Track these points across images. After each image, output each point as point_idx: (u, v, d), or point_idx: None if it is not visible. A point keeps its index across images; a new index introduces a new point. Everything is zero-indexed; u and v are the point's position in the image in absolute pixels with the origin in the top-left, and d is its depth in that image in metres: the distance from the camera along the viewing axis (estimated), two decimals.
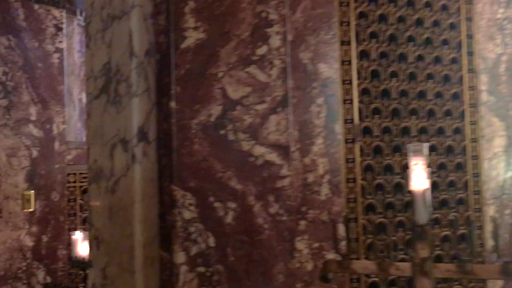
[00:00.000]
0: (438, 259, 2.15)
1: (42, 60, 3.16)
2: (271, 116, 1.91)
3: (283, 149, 1.93)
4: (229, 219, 1.81)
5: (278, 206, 1.90)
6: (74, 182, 3.39)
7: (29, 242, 3.03)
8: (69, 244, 3.29)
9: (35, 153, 3.10)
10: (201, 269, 1.75)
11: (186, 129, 1.76)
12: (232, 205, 1.82)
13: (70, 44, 3.57)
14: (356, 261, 1.69)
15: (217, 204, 1.80)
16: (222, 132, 1.82)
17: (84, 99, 3.81)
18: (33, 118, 3.11)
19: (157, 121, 1.81)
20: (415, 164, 1.60)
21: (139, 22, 1.79)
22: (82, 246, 2.98)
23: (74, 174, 3.38)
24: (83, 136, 3.79)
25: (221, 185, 1.81)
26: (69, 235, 3.29)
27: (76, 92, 3.51)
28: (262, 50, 1.91)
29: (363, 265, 1.63)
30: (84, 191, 3.45)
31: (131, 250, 1.75)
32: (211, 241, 1.78)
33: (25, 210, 3.03)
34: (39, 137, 3.12)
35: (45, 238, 3.11)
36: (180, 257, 1.72)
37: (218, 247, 1.78)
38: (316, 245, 2.02)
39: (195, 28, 1.81)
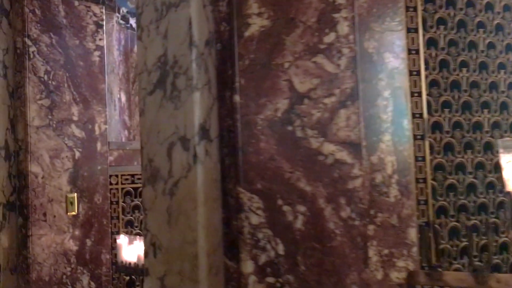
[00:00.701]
0: None
1: (83, 58, 3.07)
2: (341, 111, 1.74)
3: (353, 147, 1.76)
4: (298, 224, 1.65)
5: (349, 209, 1.74)
6: (116, 184, 3.28)
7: (73, 246, 2.94)
8: (113, 248, 3.19)
9: (77, 154, 3.00)
10: (271, 279, 1.60)
11: (251, 125, 1.61)
12: (301, 208, 1.66)
13: (110, 42, 3.47)
14: (448, 273, 1.51)
15: (285, 208, 1.64)
16: (289, 128, 1.66)
17: (123, 98, 3.71)
18: (75, 118, 3.01)
19: (219, 117, 1.67)
20: (508, 162, 1.42)
21: (198, 9, 1.65)
22: (127, 251, 2.87)
23: (116, 175, 3.28)
24: (122, 136, 3.69)
25: (290, 187, 1.65)
26: (112, 239, 3.19)
27: (115, 91, 3.41)
28: (329, 38, 1.74)
29: (458, 277, 1.45)
30: (126, 193, 3.35)
31: (194, 258, 1.60)
32: (280, 249, 1.62)
33: (69, 213, 2.93)
34: (81, 137, 3.03)
35: (89, 242, 3.01)
36: (248, 266, 1.57)
37: (288, 255, 1.63)
38: (385, 251, 1.85)
39: (259, 15, 1.66)
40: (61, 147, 2.94)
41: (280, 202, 1.64)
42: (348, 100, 1.75)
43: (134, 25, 3.89)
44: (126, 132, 3.66)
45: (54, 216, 2.88)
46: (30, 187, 2.79)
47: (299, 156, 1.67)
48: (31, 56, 2.84)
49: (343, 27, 1.76)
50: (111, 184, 3.21)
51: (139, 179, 3.42)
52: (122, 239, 2.90)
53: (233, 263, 1.61)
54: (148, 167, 1.84)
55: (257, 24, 1.64)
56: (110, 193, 3.19)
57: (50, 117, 2.90)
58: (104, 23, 3.19)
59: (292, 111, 1.67)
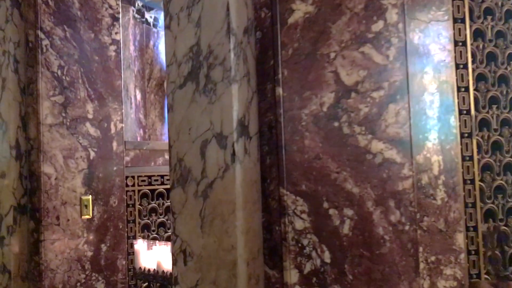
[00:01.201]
0: None
1: (98, 53, 2.95)
2: (390, 105, 1.63)
3: (403, 145, 1.64)
4: (345, 229, 1.53)
5: (399, 213, 1.62)
6: (133, 185, 3.17)
7: (88, 251, 2.82)
8: (129, 254, 3.07)
9: (92, 154, 2.88)
10: None
11: (295, 121, 1.49)
12: (348, 212, 1.54)
13: (126, 36, 3.36)
14: None
15: (332, 211, 1.52)
16: (335, 124, 1.54)
17: (138, 96, 3.60)
18: (90, 116, 2.89)
19: (258, 112, 1.55)
20: None
21: None
22: (145, 257, 2.75)
23: (133, 177, 3.16)
24: (137, 136, 3.57)
25: (336, 188, 1.53)
26: (128, 244, 3.07)
27: (131, 88, 3.29)
28: (377, 26, 1.62)
29: None
30: (143, 195, 3.23)
31: (232, 266, 1.48)
32: (327, 256, 1.50)
33: (83, 216, 2.81)
34: (96, 136, 2.91)
35: (104, 247, 2.89)
36: (292, 275, 1.45)
37: (334, 263, 1.51)
38: (432, 258, 1.73)
39: (303, 0, 1.54)
40: (75, 146, 2.82)
41: (326, 205, 1.52)
42: (397, 94, 1.63)
43: (149, 19, 3.78)
44: (141, 131, 3.55)
45: (68, 220, 2.76)
46: (42, 189, 2.67)
47: (346, 155, 1.55)
48: (44, 50, 2.73)
49: (392, 15, 1.64)
50: (127, 185, 3.10)
51: (156, 180, 3.30)
52: (139, 244, 2.77)
53: (275, 272, 1.49)
54: (177, 167, 1.73)
55: (301, 10, 1.53)
56: (126, 195, 3.08)
57: (63, 114, 2.79)
58: (120, 16, 3.07)
59: (338, 106, 1.55)
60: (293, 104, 1.49)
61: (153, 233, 3.27)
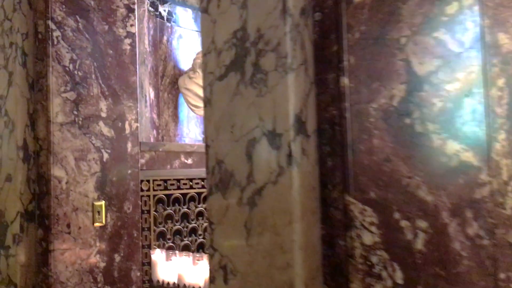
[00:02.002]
0: None
1: (112, 46, 2.74)
2: (465, 100, 1.41)
3: (479, 146, 1.42)
4: (419, 244, 1.31)
5: (477, 225, 1.40)
6: (148, 190, 2.95)
7: (100, 262, 2.60)
8: (143, 264, 2.85)
9: (106, 156, 2.67)
10: None
11: (362, 116, 1.28)
12: (422, 224, 1.32)
13: (141, 29, 3.15)
14: None
15: (403, 223, 1.30)
16: (407, 121, 1.33)
17: (151, 94, 3.39)
18: (103, 114, 2.68)
19: (317, 106, 1.34)
20: None
21: None
22: (164, 268, 2.53)
23: (148, 181, 2.94)
24: (151, 136, 3.36)
25: (408, 196, 1.31)
26: (143, 254, 2.85)
27: (146, 85, 3.08)
28: (452, 8, 1.41)
29: None
30: (158, 201, 3.01)
31: (288, 287, 1.27)
32: (399, 277, 1.29)
33: (95, 224, 2.59)
34: (110, 137, 2.70)
35: (117, 258, 2.67)
36: None
37: (407, 284, 1.29)
38: (502, 276, 1.52)
39: None
40: (87, 147, 2.61)
41: (397, 215, 1.30)
42: (474, 87, 1.42)
43: (163, 13, 3.57)
44: (154, 132, 3.33)
45: (79, 228, 2.54)
46: (52, 194, 2.46)
47: (419, 157, 1.34)
48: (55, 42, 2.52)
49: None
50: (141, 190, 2.88)
51: (172, 185, 3.09)
52: (157, 255, 2.56)
53: None
54: (216, 170, 1.51)
55: None
56: (141, 201, 2.86)
57: (75, 112, 2.57)
58: (136, 7, 2.86)
59: (410, 100, 1.33)
60: (360, 96, 1.28)
61: (168, 241, 3.05)
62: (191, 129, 3.76)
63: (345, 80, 1.27)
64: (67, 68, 2.55)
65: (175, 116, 3.64)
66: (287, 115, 1.29)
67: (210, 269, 1.53)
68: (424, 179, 1.33)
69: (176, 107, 3.65)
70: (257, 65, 1.37)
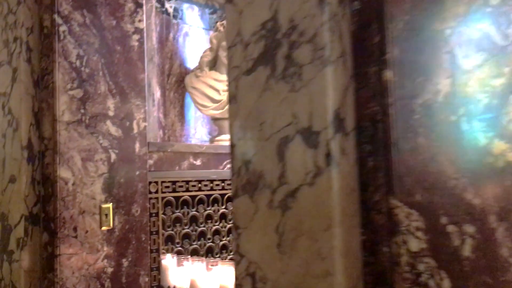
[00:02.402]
0: None
1: (120, 42, 2.65)
2: (511, 97, 1.32)
3: None
4: (466, 250, 1.22)
5: None
6: (156, 192, 2.85)
7: (108, 267, 2.50)
8: (152, 269, 2.75)
9: (113, 156, 2.57)
10: None
11: (407, 113, 1.19)
12: (469, 229, 1.23)
13: (148, 25, 3.05)
14: None
15: (451, 228, 1.21)
16: (452, 118, 1.24)
17: (158, 93, 3.29)
18: (110, 113, 2.58)
19: (356, 101, 1.25)
20: None
21: None
22: (175, 274, 2.43)
23: (156, 182, 2.84)
24: (157, 137, 3.26)
25: (455, 199, 1.22)
26: (151, 258, 2.75)
27: (154, 83, 2.98)
28: None
29: None
30: (167, 204, 2.91)
31: None
32: (446, 285, 1.19)
33: (103, 227, 2.49)
34: (117, 136, 2.60)
35: (125, 263, 2.57)
36: None
37: None
38: None
39: None
40: (94, 147, 2.50)
41: (444, 220, 1.21)
42: None
43: (169, 9, 3.47)
44: (160, 132, 3.23)
45: (86, 232, 2.44)
46: (58, 196, 2.35)
47: (465, 157, 1.25)
48: (61, 37, 2.42)
49: None
50: (150, 192, 2.78)
51: (181, 187, 2.99)
52: (168, 260, 2.46)
53: None
54: (243, 171, 1.42)
55: None
56: (149, 203, 2.76)
57: (82, 111, 2.47)
58: (144, 2, 2.77)
59: (455, 95, 1.25)
60: (404, 91, 1.19)
61: (177, 245, 2.95)
62: (197, 130, 3.66)
63: (388, 74, 1.19)
64: (73, 65, 2.45)
65: (181, 116, 3.54)
66: (326, 111, 1.20)
67: (236, 276, 1.44)
68: (470, 181, 1.25)
69: (182, 106, 3.56)
70: (290, 58, 1.28)
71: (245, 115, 1.42)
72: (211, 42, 3.48)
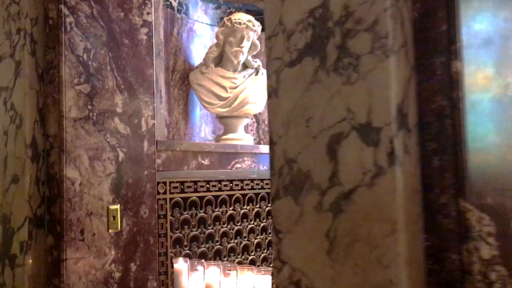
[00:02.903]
0: None
1: (128, 36, 2.52)
2: None
3: None
4: None
5: None
6: (164, 193, 2.72)
7: (115, 272, 2.37)
8: (160, 274, 2.63)
9: (121, 155, 2.44)
10: None
11: (477, 107, 1.10)
12: None
13: (156, 19, 2.93)
14: None
15: None
16: None
17: (162, 90, 3.16)
18: (118, 109, 2.45)
19: (418, 95, 1.15)
20: None
21: None
22: (189, 280, 2.31)
23: (164, 183, 2.72)
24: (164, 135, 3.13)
25: None
26: (159, 262, 2.63)
27: (161, 79, 2.85)
28: None
29: None
30: (175, 205, 2.79)
31: None
32: None
33: (110, 230, 2.36)
34: (125, 134, 2.47)
35: (133, 267, 2.45)
36: None
37: None
38: None
39: None
40: (102, 145, 2.37)
41: None
42: None
43: (174, 3, 3.35)
44: (165, 130, 3.11)
45: (94, 234, 2.31)
46: (65, 197, 2.22)
47: None
48: (68, 28, 2.28)
49: None
50: (158, 193, 2.65)
51: (189, 187, 2.86)
52: (181, 264, 2.33)
53: None
54: (285, 170, 1.31)
55: None
56: (158, 205, 2.63)
57: (89, 107, 2.34)
58: None
59: None
60: (474, 85, 1.10)
61: (185, 248, 2.83)
62: (201, 128, 3.54)
63: (458, 65, 1.09)
64: (81, 58, 2.32)
65: (185, 114, 3.41)
66: (388, 105, 1.09)
67: (277, 284, 1.33)
68: None
69: (186, 104, 3.43)
70: (344, 47, 1.18)
71: (288, 110, 1.32)
72: (217, 37, 3.36)
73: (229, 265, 2.20)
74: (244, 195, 3.21)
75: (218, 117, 3.45)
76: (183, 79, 3.43)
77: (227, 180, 3.09)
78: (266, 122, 4.09)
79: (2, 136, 2.31)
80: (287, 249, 1.31)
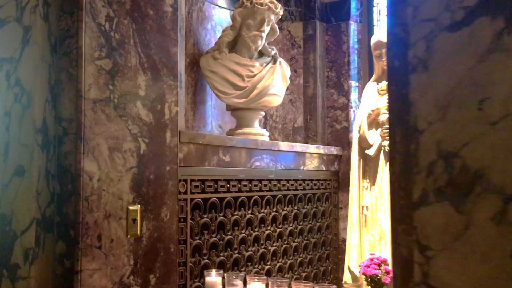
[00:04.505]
0: None
1: (153, 6, 2.16)
2: None
3: None
4: None
5: None
6: (185, 192, 2.37)
7: (134, 286, 2.00)
8: (179, 286, 2.27)
9: (143, 147, 2.08)
10: None
11: None
12: None
13: None
14: None
15: None
16: None
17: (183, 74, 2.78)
18: (141, 92, 2.09)
19: None
20: None
21: None
22: None
23: (185, 181, 2.36)
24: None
25: None
26: (179, 273, 2.27)
27: (182, 60, 2.48)
28: None
29: None
30: (195, 206, 2.44)
31: None
32: None
33: (129, 235, 2.00)
34: (148, 122, 2.11)
35: (153, 279, 2.09)
36: None
37: None
38: None
39: None
40: (123, 134, 2.00)
41: None
42: None
43: None
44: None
45: (112, 241, 1.94)
46: (81, 195, 1.83)
47: None
48: None
49: None
50: (179, 193, 2.30)
51: (209, 186, 2.52)
52: (214, 277, 1.99)
53: None
54: (440, 167, 1.01)
55: None
56: (178, 206, 2.28)
57: (111, 87, 1.97)
58: None
59: None
60: None
61: (204, 257, 2.48)
62: (209, 121, 3.19)
63: None
64: (102, 27, 1.94)
65: (193, 104, 3.06)
66: None
67: None
68: None
69: (195, 93, 3.07)
70: None
71: (446, 88, 1.02)
72: (234, 19, 3.02)
73: (279, 280, 1.87)
74: (262, 197, 2.89)
75: (232, 109, 3.11)
76: (192, 65, 3.07)
77: (246, 180, 2.76)
78: (275, 118, 3.78)
79: (2, 117, 1.90)
80: (441, 271, 1.01)
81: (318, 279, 3.42)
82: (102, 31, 1.94)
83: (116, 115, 1.98)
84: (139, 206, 2.05)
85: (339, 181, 3.78)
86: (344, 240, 3.75)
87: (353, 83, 3.91)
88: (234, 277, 1.98)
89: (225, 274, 2.01)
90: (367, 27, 4.03)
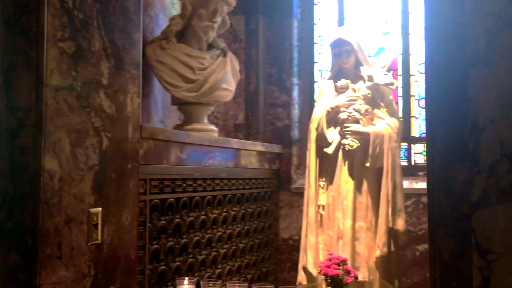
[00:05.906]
0: None
1: None
2: None
3: None
4: None
5: None
6: (144, 193, 2.18)
7: None
8: None
9: (105, 142, 1.88)
10: None
11: None
12: None
13: None
14: None
15: None
16: None
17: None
18: (104, 81, 1.89)
19: None
20: None
21: None
22: None
23: (144, 180, 2.18)
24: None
25: None
26: (137, 282, 2.09)
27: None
28: None
29: None
30: (154, 208, 2.26)
31: None
32: None
33: (90, 242, 1.80)
34: (110, 115, 1.92)
35: None
36: None
37: None
38: None
39: None
40: (85, 127, 1.79)
41: None
42: None
43: None
44: None
45: (72, 249, 1.72)
46: (41, 197, 1.60)
47: None
48: None
49: None
50: (140, 193, 2.11)
51: (167, 186, 2.35)
52: (186, 286, 1.83)
53: None
54: (503, 167, 1.00)
55: None
56: (138, 208, 2.09)
57: (73, 73, 1.75)
58: None
59: None
60: None
61: (161, 263, 2.30)
62: (151, 116, 2.99)
63: None
64: (65, 5, 1.71)
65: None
66: None
67: None
68: None
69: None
70: None
71: (510, 84, 0.98)
72: (184, 7, 2.86)
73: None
74: (214, 197, 2.76)
75: (179, 103, 2.95)
76: None
77: (201, 179, 2.62)
78: (216, 114, 3.65)
79: None
80: (505, 275, 0.98)
81: (261, 280, 3.36)
82: (65, 8, 1.71)
83: (79, 105, 1.76)
84: (100, 209, 1.84)
85: (279, 180, 3.74)
86: (284, 240, 3.72)
87: (295, 81, 3.89)
88: (211, 285, 1.84)
89: (201, 282, 1.87)
90: (308, 25, 4.03)
